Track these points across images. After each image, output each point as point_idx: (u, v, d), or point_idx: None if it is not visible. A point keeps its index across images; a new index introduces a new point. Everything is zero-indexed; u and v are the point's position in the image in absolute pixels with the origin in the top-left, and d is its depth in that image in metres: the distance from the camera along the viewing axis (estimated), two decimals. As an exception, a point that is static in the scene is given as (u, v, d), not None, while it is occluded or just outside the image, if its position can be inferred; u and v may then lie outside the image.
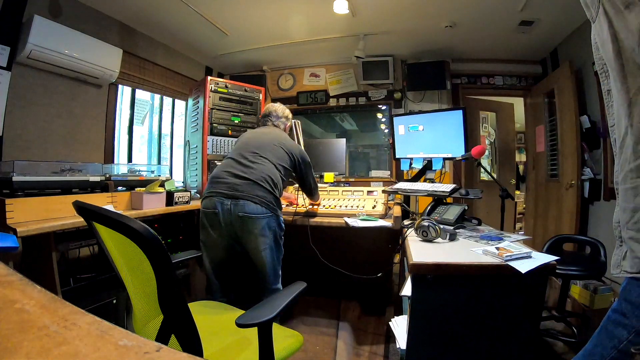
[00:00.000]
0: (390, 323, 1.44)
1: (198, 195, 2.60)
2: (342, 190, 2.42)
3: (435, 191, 1.91)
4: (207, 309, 1.34)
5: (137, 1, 2.62)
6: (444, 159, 2.20)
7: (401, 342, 1.25)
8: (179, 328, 0.85)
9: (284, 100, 4.27)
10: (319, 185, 2.54)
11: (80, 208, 0.89)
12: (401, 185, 2.16)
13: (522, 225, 4.45)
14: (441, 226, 1.37)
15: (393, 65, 3.76)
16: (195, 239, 2.40)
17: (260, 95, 2.87)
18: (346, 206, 2.15)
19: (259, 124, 2.19)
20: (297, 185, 2.45)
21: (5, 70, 2.11)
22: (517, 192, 5.09)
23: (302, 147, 2.37)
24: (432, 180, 2.20)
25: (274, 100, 4.29)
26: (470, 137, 2.36)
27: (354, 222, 1.88)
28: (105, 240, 0.94)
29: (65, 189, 1.71)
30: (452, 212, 1.74)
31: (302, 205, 2.21)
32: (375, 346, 1.95)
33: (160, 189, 2.09)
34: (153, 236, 0.71)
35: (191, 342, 0.87)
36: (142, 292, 0.91)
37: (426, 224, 1.36)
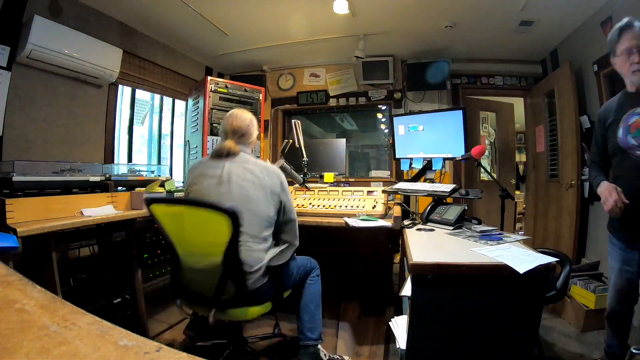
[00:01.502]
0: (390, 323, 1.44)
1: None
2: (342, 190, 2.42)
3: (435, 191, 1.91)
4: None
5: (137, 1, 2.62)
6: (444, 159, 2.20)
7: (401, 342, 1.25)
8: (235, 275, 1.34)
9: (284, 101, 4.30)
10: (320, 185, 2.54)
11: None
12: (401, 185, 2.16)
13: (522, 225, 4.45)
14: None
15: (393, 65, 3.76)
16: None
17: (260, 95, 2.87)
18: (346, 206, 2.15)
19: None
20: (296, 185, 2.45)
21: (5, 70, 2.11)
22: (517, 192, 5.09)
23: (302, 147, 2.35)
24: (432, 180, 2.20)
25: (274, 101, 4.31)
26: (470, 137, 2.36)
27: (353, 222, 1.87)
28: (176, 219, 1.35)
29: (65, 189, 1.71)
30: (452, 212, 1.74)
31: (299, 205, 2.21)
32: (375, 346, 1.95)
33: (160, 189, 2.09)
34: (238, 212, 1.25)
35: (243, 284, 1.37)
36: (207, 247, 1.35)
37: None
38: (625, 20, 1.38)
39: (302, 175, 2.36)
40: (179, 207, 1.36)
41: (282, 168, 2.21)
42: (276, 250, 1.53)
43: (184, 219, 1.34)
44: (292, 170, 2.27)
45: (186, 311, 1.52)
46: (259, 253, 1.45)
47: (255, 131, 1.63)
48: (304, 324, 1.60)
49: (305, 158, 2.34)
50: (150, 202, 1.34)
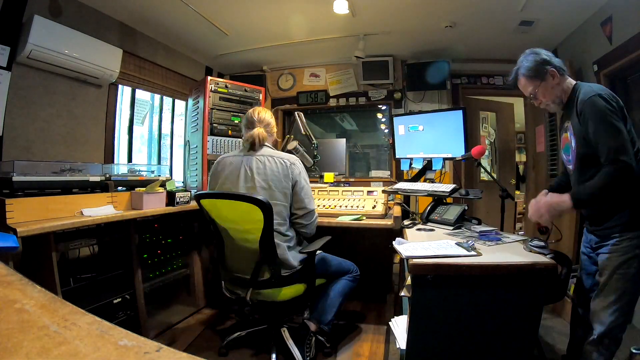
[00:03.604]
0: (390, 323, 1.44)
1: (198, 195, 2.59)
2: (342, 190, 2.42)
3: (435, 191, 1.91)
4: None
5: (137, 1, 2.62)
6: (444, 159, 2.20)
7: (401, 342, 1.25)
8: (270, 260, 1.55)
9: (284, 101, 4.30)
10: (320, 185, 2.54)
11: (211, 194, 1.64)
12: (401, 185, 2.16)
13: (522, 225, 4.45)
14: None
15: (393, 65, 3.76)
16: (195, 239, 2.40)
17: (260, 95, 2.87)
18: (346, 206, 2.15)
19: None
20: None
21: (5, 70, 2.11)
22: (517, 192, 5.08)
23: (310, 133, 2.49)
24: (432, 180, 2.20)
25: (274, 101, 4.31)
26: (470, 137, 2.36)
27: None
28: (221, 209, 1.59)
29: (65, 189, 1.70)
30: (452, 212, 1.74)
31: None
32: (375, 346, 1.95)
33: (160, 189, 2.09)
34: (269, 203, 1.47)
35: (277, 269, 1.57)
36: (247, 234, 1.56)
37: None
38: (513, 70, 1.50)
39: (313, 159, 2.52)
40: (219, 201, 1.59)
41: (295, 149, 2.36)
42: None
43: (227, 210, 1.57)
44: (304, 152, 2.42)
45: (230, 293, 1.73)
46: (289, 245, 1.66)
47: (275, 125, 1.87)
48: (317, 306, 1.78)
49: (314, 141, 2.45)
50: (198, 197, 1.63)
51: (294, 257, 1.64)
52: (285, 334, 1.75)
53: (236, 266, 1.69)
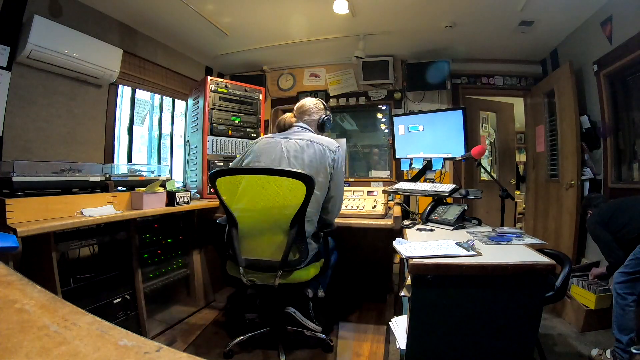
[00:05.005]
0: (390, 323, 1.44)
1: (198, 195, 2.59)
2: (342, 190, 2.41)
3: (435, 191, 1.91)
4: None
5: (137, 1, 2.63)
6: (444, 159, 2.20)
7: (401, 342, 1.25)
8: (299, 240, 1.54)
9: (284, 101, 4.30)
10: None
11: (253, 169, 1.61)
12: (401, 185, 2.16)
13: (522, 225, 4.44)
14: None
15: (393, 65, 3.76)
16: (195, 239, 2.40)
17: (260, 95, 2.87)
18: (346, 206, 2.15)
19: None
20: None
21: (5, 70, 2.11)
22: (517, 192, 5.09)
23: None
24: (432, 180, 2.20)
25: (274, 101, 4.32)
26: (470, 137, 2.37)
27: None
28: (248, 187, 1.52)
29: (65, 189, 1.70)
30: (452, 212, 1.74)
31: None
32: (375, 346, 1.95)
33: (160, 189, 2.09)
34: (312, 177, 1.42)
35: (306, 248, 1.58)
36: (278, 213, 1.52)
37: None
38: None
39: None
40: (259, 177, 1.53)
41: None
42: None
43: (260, 187, 1.52)
44: None
45: (247, 280, 1.67)
46: (312, 227, 1.67)
47: (318, 111, 1.84)
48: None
49: None
50: (216, 175, 1.49)
51: (314, 237, 1.69)
52: (296, 314, 1.86)
53: (259, 250, 1.63)
